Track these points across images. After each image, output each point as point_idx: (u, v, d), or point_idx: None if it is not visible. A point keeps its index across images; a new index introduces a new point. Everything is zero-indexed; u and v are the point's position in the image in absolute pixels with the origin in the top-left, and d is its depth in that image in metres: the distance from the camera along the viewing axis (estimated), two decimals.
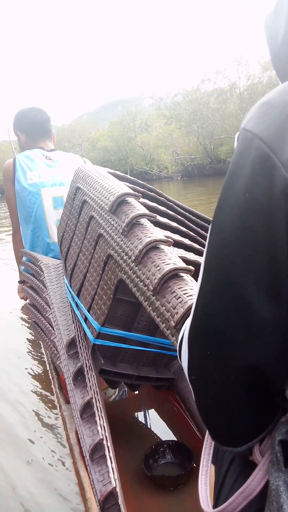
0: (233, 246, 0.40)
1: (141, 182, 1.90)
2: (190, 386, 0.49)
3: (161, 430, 1.67)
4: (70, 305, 1.53)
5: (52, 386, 1.80)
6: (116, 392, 1.93)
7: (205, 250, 0.45)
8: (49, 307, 1.62)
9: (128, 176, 1.85)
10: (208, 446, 0.60)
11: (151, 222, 1.22)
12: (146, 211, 1.20)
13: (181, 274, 0.98)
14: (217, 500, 0.56)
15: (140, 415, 1.79)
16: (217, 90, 26.77)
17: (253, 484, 0.46)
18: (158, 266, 1.00)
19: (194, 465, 1.39)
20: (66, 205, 1.71)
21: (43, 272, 1.80)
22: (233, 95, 25.91)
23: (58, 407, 1.66)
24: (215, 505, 0.55)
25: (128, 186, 1.60)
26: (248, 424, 0.46)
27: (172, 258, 1.03)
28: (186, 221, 1.77)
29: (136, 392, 1.86)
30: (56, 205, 2.31)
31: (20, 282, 2.62)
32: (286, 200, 0.36)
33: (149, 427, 1.72)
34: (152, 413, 1.79)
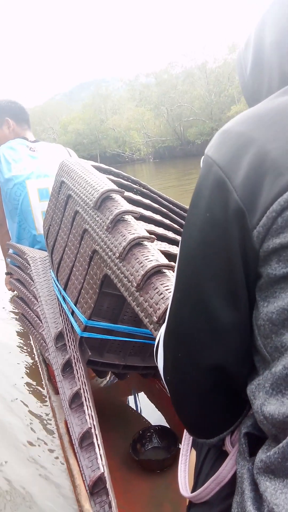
0: (197, 258, 0.45)
1: (125, 174, 1.92)
2: (166, 386, 0.54)
3: (150, 414, 1.74)
4: (57, 298, 1.56)
5: (42, 377, 1.85)
6: (107, 378, 1.98)
7: (177, 262, 0.50)
8: (37, 300, 1.65)
9: (112, 169, 1.87)
10: (187, 437, 0.66)
11: (135, 218, 1.25)
12: (130, 208, 1.23)
13: (163, 270, 1.02)
14: (196, 484, 0.61)
15: (130, 400, 1.86)
16: (185, 72, 26.84)
17: (224, 472, 0.52)
18: (142, 263, 1.04)
19: (179, 448, 1.47)
20: (52, 198, 1.72)
21: (30, 265, 1.82)
22: (200, 77, 25.89)
23: (47, 398, 1.71)
24: (194, 488, 0.61)
25: (112, 180, 1.62)
26: (218, 418, 0.51)
27: (155, 254, 1.07)
28: (170, 214, 1.80)
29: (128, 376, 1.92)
30: (42, 197, 2.31)
31: (7, 273, 2.63)
32: (238, 220, 0.41)
33: (138, 411, 1.78)
34: (142, 398, 1.85)
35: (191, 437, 0.66)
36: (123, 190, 1.33)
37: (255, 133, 0.42)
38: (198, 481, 0.59)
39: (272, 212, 0.39)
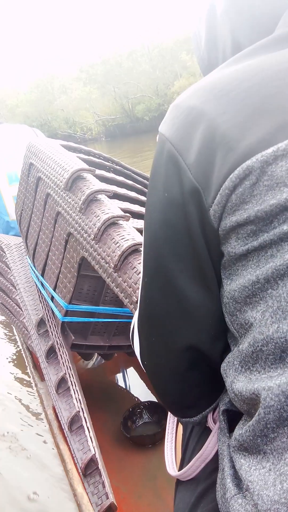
0: (161, 240, 0.44)
1: (96, 151, 1.86)
2: (144, 370, 0.53)
3: (140, 391, 1.76)
4: (36, 285, 1.53)
5: (26, 365, 1.83)
6: (94, 360, 1.99)
7: (142, 246, 0.48)
8: (15, 288, 1.62)
9: (83, 147, 1.80)
10: (172, 416, 0.66)
11: (108, 196, 1.22)
12: (102, 187, 1.19)
13: (140, 249, 1.00)
14: (183, 460, 0.62)
15: (119, 379, 1.87)
16: (128, 47, 26.76)
17: (208, 449, 0.52)
18: (118, 242, 1.01)
19: None
20: (21, 182, 1.66)
21: (5, 253, 1.77)
22: (143, 54, 25.82)
23: (34, 386, 1.70)
24: (182, 464, 0.61)
25: (83, 158, 1.57)
26: (198, 397, 0.52)
27: (131, 233, 1.04)
28: (145, 189, 1.77)
29: (115, 355, 1.93)
30: (11, 181, 2.24)
31: None
32: (194, 199, 0.40)
33: (127, 389, 1.80)
34: (131, 375, 1.86)
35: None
36: (94, 168, 1.29)
37: (205, 105, 0.41)
38: (185, 457, 0.60)
39: (225, 190, 0.38)
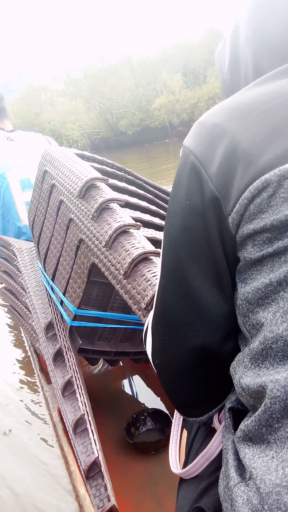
0: (180, 244, 0.47)
1: (110, 161, 1.90)
2: (154, 369, 0.56)
3: (144, 398, 1.77)
4: (46, 289, 1.56)
5: (33, 368, 1.86)
6: (100, 365, 2.00)
7: (161, 249, 0.51)
8: (25, 292, 1.65)
9: (96, 156, 1.85)
10: (178, 418, 0.68)
11: (120, 205, 1.25)
12: (115, 195, 1.23)
13: (150, 257, 1.03)
14: (187, 461, 0.64)
15: (124, 385, 1.88)
16: (112, 66, 27.57)
17: (213, 447, 0.55)
18: (128, 250, 1.04)
19: None
20: (35, 188, 1.70)
21: (16, 257, 1.81)
22: (126, 71, 26.56)
23: (40, 389, 1.72)
24: (185, 465, 0.63)
25: (96, 167, 1.61)
26: (206, 397, 0.54)
27: (141, 242, 1.07)
28: (156, 199, 1.80)
29: (121, 364, 1.95)
30: (24, 187, 2.28)
31: None
32: (214, 207, 0.43)
33: (133, 395, 1.81)
34: (137, 381, 1.88)
35: (182, 418, 0.68)
36: (107, 177, 1.32)
37: (228, 124, 0.44)
38: (189, 458, 0.62)
39: (244, 199, 0.41)
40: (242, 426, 0.41)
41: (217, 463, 0.53)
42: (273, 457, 0.36)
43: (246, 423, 0.40)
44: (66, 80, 30.16)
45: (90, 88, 27.52)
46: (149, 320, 0.58)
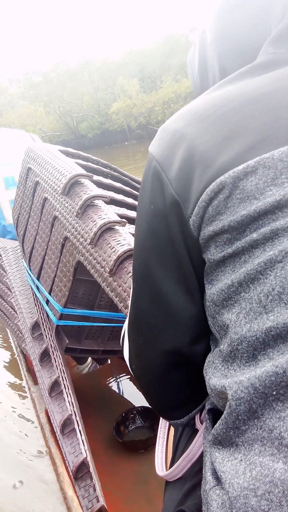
0: (147, 248, 0.48)
1: (95, 158, 1.88)
2: (133, 374, 0.56)
3: (133, 396, 1.76)
4: (31, 288, 1.53)
5: (20, 369, 1.83)
6: (88, 365, 1.99)
7: (133, 253, 0.52)
8: (10, 291, 1.62)
9: (81, 153, 1.82)
10: (164, 420, 0.67)
11: (105, 202, 1.23)
12: (99, 192, 1.21)
13: None
14: (173, 461, 0.63)
15: (114, 384, 1.87)
16: (70, 70, 27.97)
17: (194, 449, 0.54)
18: (113, 247, 1.02)
19: None
20: (19, 186, 1.67)
21: (1, 256, 1.78)
22: (84, 76, 27.01)
23: (27, 389, 1.70)
24: (171, 465, 0.62)
25: (81, 164, 1.59)
26: (184, 399, 0.53)
27: (126, 238, 1.06)
28: None
29: (109, 362, 1.93)
30: (8, 185, 2.25)
31: None
32: (175, 211, 0.44)
33: (121, 394, 1.80)
34: (125, 379, 1.86)
35: None
36: (92, 174, 1.31)
37: (187, 129, 0.45)
38: (175, 458, 0.61)
39: (202, 202, 0.41)
40: (212, 429, 0.41)
41: (201, 464, 0.52)
42: (241, 460, 0.35)
43: (215, 427, 0.39)
44: (26, 83, 30.16)
45: (49, 92, 27.94)
46: (125, 326, 0.58)
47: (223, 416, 0.38)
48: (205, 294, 0.45)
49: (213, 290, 0.43)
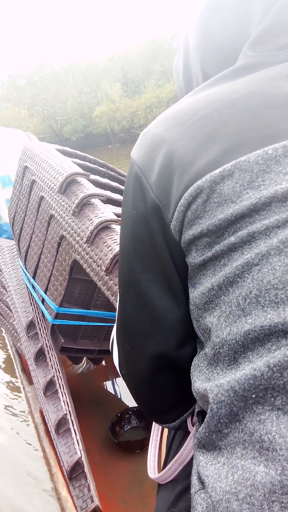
0: (131, 253, 0.47)
1: (92, 157, 1.87)
2: (123, 379, 0.55)
3: (129, 396, 1.75)
4: (27, 287, 1.52)
5: (15, 369, 1.82)
6: (84, 365, 1.98)
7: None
8: (6, 290, 1.61)
9: (78, 152, 1.82)
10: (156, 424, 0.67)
11: (102, 201, 1.23)
12: (96, 191, 1.20)
13: None
14: (165, 464, 0.62)
15: (108, 384, 1.86)
16: (54, 73, 28.21)
17: (185, 451, 0.54)
18: (110, 246, 1.02)
19: None
20: (15, 185, 1.66)
21: None
22: (68, 79, 27.25)
23: (22, 389, 1.69)
24: (164, 467, 0.62)
25: (78, 163, 1.58)
26: (173, 402, 0.53)
27: None
28: None
29: (104, 363, 1.92)
30: (4, 184, 2.24)
31: None
32: (156, 215, 0.44)
33: (116, 394, 1.79)
34: (121, 380, 1.85)
35: None
36: (88, 173, 1.30)
37: (166, 133, 0.46)
38: (167, 460, 0.61)
39: (181, 206, 0.42)
40: (196, 433, 0.40)
41: (191, 467, 0.52)
42: (224, 464, 0.35)
43: (199, 430, 0.39)
44: (9, 86, 30.24)
45: (33, 94, 28.18)
46: (113, 331, 0.58)
47: (205, 419, 0.37)
48: (189, 298, 0.45)
49: (196, 293, 0.43)
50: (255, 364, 0.34)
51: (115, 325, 0.56)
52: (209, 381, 0.39)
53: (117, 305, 0.96)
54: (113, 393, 1.82)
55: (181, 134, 0.44)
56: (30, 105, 28.34)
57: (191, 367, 0.45)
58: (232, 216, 0.38)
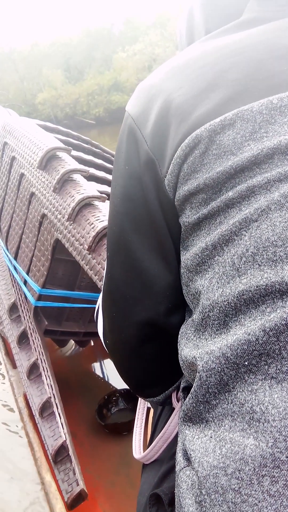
0: (122, 214, 0.44)
1: (75, 133, 1.80)
2: (107, 350, 0.52)
3: (116, 378, 1.73)
4: (8, 268, 1.47)
5: None
6: (73, 347, 1.95)
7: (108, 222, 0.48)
8: None
9: (60, 128, 1.74)
10: (143, 401, 0.64)
11: (85, 177, 1.17)
12: (78, 166, 1.15)
13: None
14: (151, 442, 0.60)
15: (96, 366, 1.84)
16: None
17: (170, 428, 0.52)
18: (92, 223, 0.97)
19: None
20: None
21: None
22: (9, 65, 27.05)
23: (5, 373, 1.65)
24: (149, 447, 0.59)
25: (60, 139, 1.51)
26: (159, 375, 0.51)
27: (106, 214, 1.01)
28: None
29: (92, 344, 1.90)
30: None
31: None
32: (150, 170, 0.41)
33: (104, 377, 1.77)
34: (108, 362, 1.83)
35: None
36: (70, 148, 1.24)
37: (163, 83, 0.43)
38: (153, 439, 0.58)
39: (177, 159, 0.39)
40: (182, 405, 0.38)
41: (176, 445, 0.49)
42: (211, 437, 0.32)
43: (185, 402, 0.36)
44: None
45: None
46: (99, 300, 0.56)
47: (192, 389, 0.34)
48: (181, 261, 0.42)
49: (188, 255, 0.40)
50: (249, 328, 0.31)
51: (101, 293, 0.53)
52: (197, 348, 0.36)
53: (102, 282, 0.92)
54: (101, 375, 1.80)
55: (180, 83, 0.41)
56: None
57: (179, 336, 0.42)
58: (231, 169, 0.36)
